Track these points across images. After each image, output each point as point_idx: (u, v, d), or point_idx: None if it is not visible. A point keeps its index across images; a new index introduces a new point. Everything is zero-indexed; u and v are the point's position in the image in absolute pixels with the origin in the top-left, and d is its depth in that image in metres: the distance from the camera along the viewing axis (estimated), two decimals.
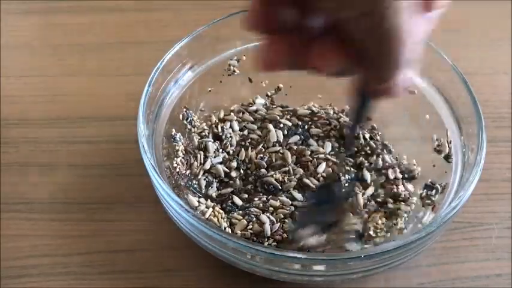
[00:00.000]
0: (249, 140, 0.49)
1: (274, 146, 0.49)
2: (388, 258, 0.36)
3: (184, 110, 0.48)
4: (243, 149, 0.48)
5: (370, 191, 0.46)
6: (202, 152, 0.47)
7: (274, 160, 0.47)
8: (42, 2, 0.66)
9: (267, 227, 0.42)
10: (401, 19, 0.24)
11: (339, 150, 0.48)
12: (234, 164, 0.47)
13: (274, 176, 0.46)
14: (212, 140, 0.48)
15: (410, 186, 0.46)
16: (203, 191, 0.45)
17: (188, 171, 0.46)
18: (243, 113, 0.51)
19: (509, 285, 0.42)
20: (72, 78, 0.57)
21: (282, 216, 0.43)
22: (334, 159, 0.47)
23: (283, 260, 0.35)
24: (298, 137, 0.49)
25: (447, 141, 0.45)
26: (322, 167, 0.46)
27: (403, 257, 0.37)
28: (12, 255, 0.43)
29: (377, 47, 0.25)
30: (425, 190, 0.45)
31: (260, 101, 0.52)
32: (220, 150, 0.48)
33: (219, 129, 0.49)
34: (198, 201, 0.44)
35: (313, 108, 0.51)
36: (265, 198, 0.44)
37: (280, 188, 0.45)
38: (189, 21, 0.60)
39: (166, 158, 0.45)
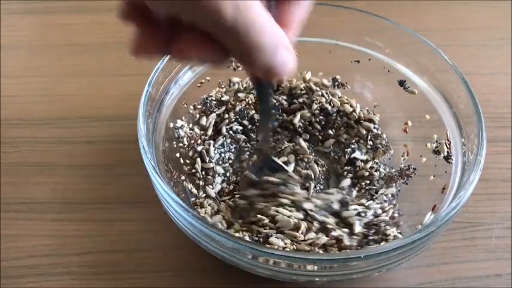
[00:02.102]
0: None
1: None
2: (388, 258, 0.36)
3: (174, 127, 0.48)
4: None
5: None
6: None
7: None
8: (42, 2, 0.66)
9: None
10: (233, 10, 0.25)
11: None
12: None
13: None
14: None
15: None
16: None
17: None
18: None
19: (509, 285, 0.42)
20: (72, 78, 0.57)
21: None
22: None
23: (283, 260, 0.35)
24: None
25: (447, 141, 0.45)
26: None
27: (403, 257, 0.37)
28: (12, 255, 0.43)
29: (229, 38, 0.26)
30: None
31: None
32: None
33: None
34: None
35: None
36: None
37: None
38: None
39: (166, 157, 0.45)
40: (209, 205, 0.44)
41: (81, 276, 0.42)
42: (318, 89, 0.51)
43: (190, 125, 0.48)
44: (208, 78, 0.49)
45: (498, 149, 0.51)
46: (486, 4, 0.67)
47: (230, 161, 0.48)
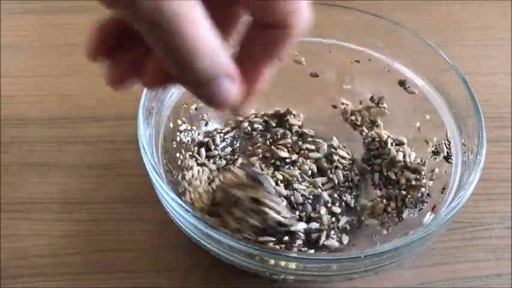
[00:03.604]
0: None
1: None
2: (388, 258, 0.36)
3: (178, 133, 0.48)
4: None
5: None
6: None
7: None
8: (42, 2, 0.66)
9: None
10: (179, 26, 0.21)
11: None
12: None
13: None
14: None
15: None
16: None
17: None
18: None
19: (509, 285, 0.42)
20: (72, 78, 0.57)
21: None
22: None
23: (283, 260, 0.35)
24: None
25: (447, 142, 0.45)
26: None
27: (403, 257, 0.37)
28: (12, 255, 0.43)
29: (167, 58, 0.23)
30: None
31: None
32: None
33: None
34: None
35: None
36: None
37: None
38: None
39: (166, 156, 0.45)
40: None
41: (80, 276, 0.42)
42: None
43: (195, 130, 0.49)
44: None
45: (498, 149, 0.51)
46: (486, 4, 0.67)
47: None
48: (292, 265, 0.36)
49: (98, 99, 0.55)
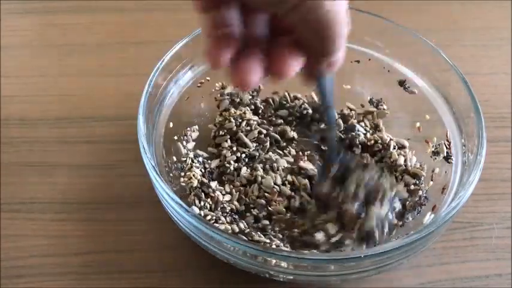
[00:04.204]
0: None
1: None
2: (388, 258, 0.36)
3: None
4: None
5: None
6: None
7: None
8: (42, 2, 0.66)
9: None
10: (328, 5, 0.27)
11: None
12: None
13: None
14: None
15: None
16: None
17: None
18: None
19: (509, 285, 0.42)
20: (72, 78, 0.57)
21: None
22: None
23: (282, 260, 0.35)
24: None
25: (447, 142, 0.45)
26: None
27: (403, 257, 0.37)
28: (12, 255, 0.43)
29: (317, 33, 0.29)
30: None
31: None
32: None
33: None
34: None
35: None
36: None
37: None
38: (189, 21, 0.60)
39: (166, 157, 0.45)
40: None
41: (81, 276, 0.42)
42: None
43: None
44: (208, 78, 0.49)
45: (498, 149, 0.51)
46: (486, 4, 0.67)
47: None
48: (292, 265, 0.36)
49: (98, 99, 0.55)
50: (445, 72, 0.45)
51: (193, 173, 0.45)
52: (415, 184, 0.45)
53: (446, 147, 0.45)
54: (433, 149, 0.46)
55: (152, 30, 0.62)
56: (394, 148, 0.48)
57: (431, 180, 0.45)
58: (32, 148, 0.51)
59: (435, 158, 0.46)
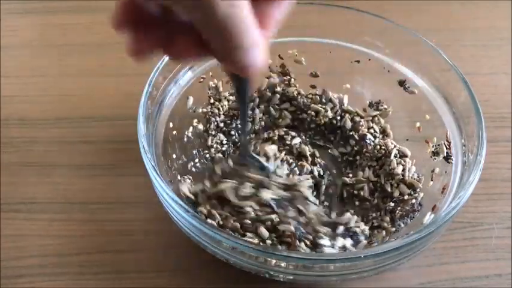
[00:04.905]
0: None
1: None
2: (388, 258, 0.36)
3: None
4: None
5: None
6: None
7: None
8: (42, 2, 0.66)
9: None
10: (225, 7, 0.25)
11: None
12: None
13: None
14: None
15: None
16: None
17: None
18: None
19: (509, 285, 0.42)
20: (72, 78, 0.57)
21: None
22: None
23: (283, 260, 0.35)
24: None
25: (447, 142, 0.45)
26: None
27: (403, 257, 0.37)
28: (12, 255, 0.43)
29: (214, 34, 0.27)
30: None
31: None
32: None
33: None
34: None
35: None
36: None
37: None
38: None
39: (166, 157, 0.45)
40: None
41: (81, 276, 0.42)
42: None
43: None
44: (211, 73, 0.49)
45: (498, 149, 0.51)
46: (486, 4, 0.67)
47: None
48: (292, 265, 0.36)
49: (98, 99, 0.55)
50: (445, 72, 0.45)
51: None
52: (409, 194, 0.45)
53: (446, 147, 0.45)
54: (433, 149, 0.46)
55: None
56: (396, 156, 0.47)
57: (431, 180, 0.45)
58: (32, 148, 0.51)
59: (435, 158, 0.46)
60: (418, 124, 0.48)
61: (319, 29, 0.49)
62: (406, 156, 0.48)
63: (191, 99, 0.48)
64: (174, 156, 0.46)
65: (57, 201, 0.47)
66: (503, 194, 0.48)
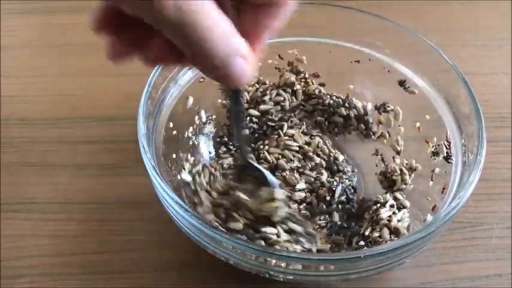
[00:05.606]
0: None
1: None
2: (388, 258, 0.36)
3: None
4: None
5: None
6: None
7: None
8: (42, 2, 0.66)
9: None
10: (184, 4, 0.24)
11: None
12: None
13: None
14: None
15: None
16: None
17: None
18: None
19: (509, 285, 0.42)
20: (72, 78, 0.57)
21: None
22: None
23: (283, 260, 0.35)
24: None
25: (447, 142, 0.45)
26: None
27: (403, 257, 0.37)
28: (12, 255, 0.43)
29: (178, 40, 0.26)
30: None
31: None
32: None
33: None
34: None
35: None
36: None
37: None
38: None
39: (166, 157, 0.45)
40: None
41: (80, 276, 0.42)
42: None
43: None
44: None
45: (498, 149, 0.51)
46: (486, 4, 0.67)
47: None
48: (292, 265, 0.36)
49: (98, 99, 0.55)
50: (445, 72, 0.45)
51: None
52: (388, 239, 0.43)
53: (446, 147, 0.45)
54: (433, 149, 0.46)
55: None
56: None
57: (431, 180, 0.45)
58: (32, 148, 0.51)
59: (435, 158, 0.46)
60: (418, 124, 0.48)
61: (319, 29, 0.49)
62: (413, 168, 0.47)
63: (191, 99, 0.48)
64: (174, 156, 0.46)
65: (57, 201, 0.47)
66: (503, 194, 0.48)
